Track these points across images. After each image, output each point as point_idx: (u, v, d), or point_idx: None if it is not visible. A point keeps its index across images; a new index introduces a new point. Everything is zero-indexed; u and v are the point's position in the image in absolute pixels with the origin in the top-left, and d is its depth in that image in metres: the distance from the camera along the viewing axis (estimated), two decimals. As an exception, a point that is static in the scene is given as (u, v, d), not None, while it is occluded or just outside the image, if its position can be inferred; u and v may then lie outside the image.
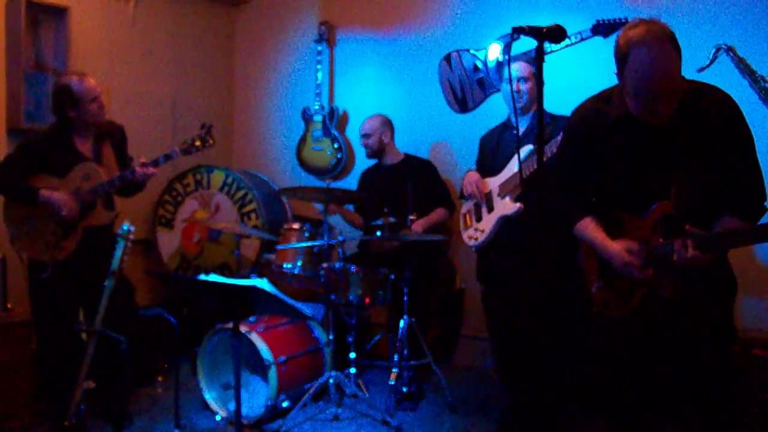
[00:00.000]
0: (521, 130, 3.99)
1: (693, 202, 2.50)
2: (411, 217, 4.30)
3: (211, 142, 4.00)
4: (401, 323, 4.29)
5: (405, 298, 4.28)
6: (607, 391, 2.93)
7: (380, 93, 5.76)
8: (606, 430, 2.99)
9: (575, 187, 2.81)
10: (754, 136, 2.56)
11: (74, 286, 3.91)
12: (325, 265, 4.24)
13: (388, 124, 5.11)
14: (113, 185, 3.86)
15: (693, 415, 2.70)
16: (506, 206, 3.89)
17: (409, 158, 5.15)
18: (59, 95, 3.86)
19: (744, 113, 2.56)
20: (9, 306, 4.07)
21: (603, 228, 2.70)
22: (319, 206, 4.60)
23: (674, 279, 2.50)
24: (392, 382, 4.23)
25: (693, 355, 2.64)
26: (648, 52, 2.34)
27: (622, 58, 2.42)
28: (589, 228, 2.72)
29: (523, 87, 3.97)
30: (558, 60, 4.73)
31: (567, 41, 4.59)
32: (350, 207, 5.29)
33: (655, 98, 2.40)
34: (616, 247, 2.60)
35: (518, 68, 4.01)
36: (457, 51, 5.34)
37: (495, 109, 4.95)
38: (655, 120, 2.48)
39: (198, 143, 3.96)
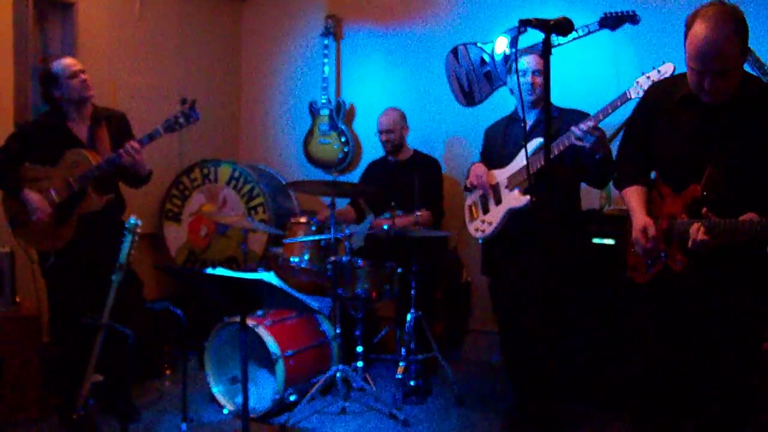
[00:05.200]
0: (529, 123, 3.97)
1: (722, 191, 2.55)
2: (418, 213, 4.29)
3: (195, 117, 3.85)
4: (408, 317, 4.30)
5: (412, 292, 4.28)
6: (629, 384, 3.00)
7: (387, 86, 5.75)
8: (621, 423, 3.00)
9: (634, 156, 2.93)
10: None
11: (80, 274, 3.92)
12: (332, 258, 4.24)
13: (404, 117, 5.10)
14: (101, 170, 3.81)
15: (709, 410, 2.72)
16: (515, 198, 3.87)
17: (417, 155, 5.14)
18: (42, 80, 3.89)
19: None
20: (17, 300, 4.08)
21: (645, 199, 2.83)
22: (326, 200, 4.60)
23: (686, 256, 2.60)
24: (399, 376, 4.24)
25: (712, 342, 2.67)
26: (705, 25, 2.42)
27: (687, 28, 2.52)
28: (632, 195, 2.87)
29: (538, 80, 3.93)
30: (565, 53, 4.72)
31: (574, 34, 4.58)
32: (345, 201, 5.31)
33: (702, 71, 2.48)
34: (640, 220, 2.75)
35: (533, 61, 3.97)
36: (464, 44, 5.33)
37: (503, 103, 4.94)
38: (704, 98, 2.56)
39: (181, 120, 3.83)
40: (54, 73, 3.83)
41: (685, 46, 2.53)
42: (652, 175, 2.94)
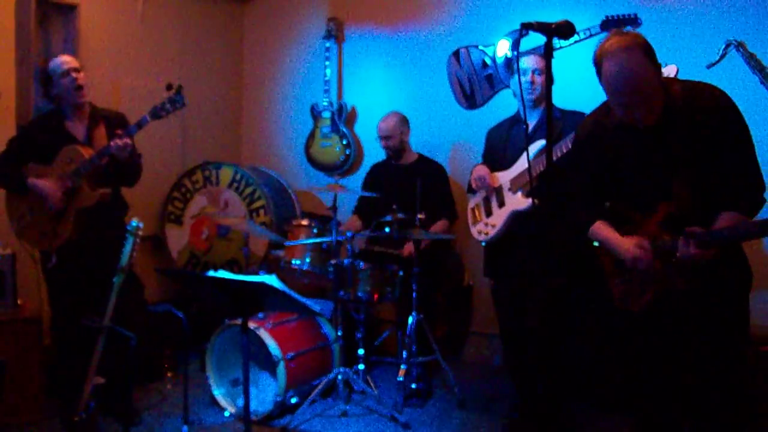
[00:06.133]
0: (531, 124, 3.97)
1: (694, 200, 2.57)
2: (419, 216, 4.29)
3: (182, 103, 3.78)
4: (410, 319, 4.29)
5: (413, 295, 4.28)
6: (630, 388, 2.99)
7: (389, 89, 5.75)
8: (625, 426, 3.01)
9: (586, 194, 2.90)
10: (764, 132, 2.57)
11: (82, 276, 3.92)
12: (333, 261, 4.24)
13: (405, 122, 5.05)
14: (93, 163, 3.79)
15: (703, 413, 2.72)
16: (518, 201, 3.87)
17: (422, 159, 5.11)
18: (40, 79, 3.95)
19: (755, 110, 2.59)
20: (19, 302, 4.08)
21: (614, 227, 2.78)
22: (327, 201, 4.59)
23: (684, 273, 2.56)
24: (401, 379, 4.23)
25: (706, 350, 2.66)
26: (615, 62, 2.46)
27: (597, 68, 2.55)
28: (602, 229, 2.81)
29: (538, 79, 3.93)
30: (567, 56, 4.72)
31: (576, 37, 4.58)
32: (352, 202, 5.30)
33: (628, 104, 2.53)
34: (626, 244, 2.68)
35: (533, 60, 3.98)
36: (466, 47, 5.33)
37: (505, 106, 4.94)
38: (638, 125, 2.58)
39: (168, 106, 3.77)
40: (49, 71, 3.87)
41: (601, 84, 2.56)
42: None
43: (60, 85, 3.86)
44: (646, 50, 2.47)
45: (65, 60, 3.90)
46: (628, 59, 2.44)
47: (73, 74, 3.87)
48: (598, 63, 2.53)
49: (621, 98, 2.52)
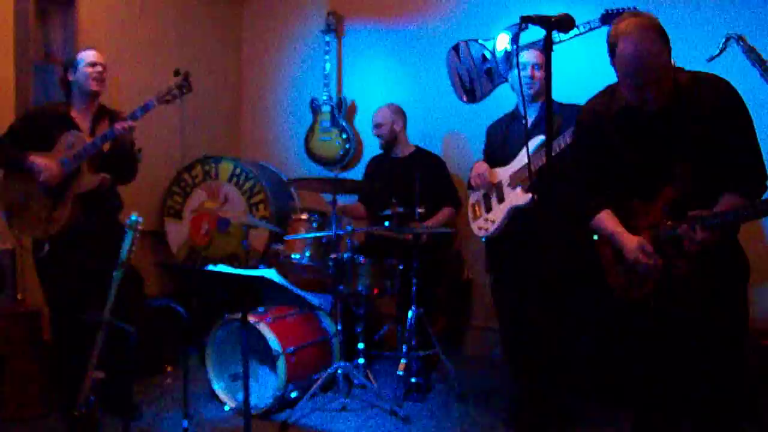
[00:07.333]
0: (530, 120, 3.97)
1: (696, 186, 2.59)
2: (419, 210, 4.29)
3: (188, 88, 3.85)
4: (409, 314, 4.29)
5: (413, 289, 4.28)
6: (630, 380, 3.01)
7: (388, 83, 5.75)
8: (625, 419, 3.01)
9: (589, 181, 2.90)
10: (765, 124, 2.58)
11: (73, 269, 3.88)
12: (333, 255, 4.24)
13: (399, 112, 5.09)
14: (96, 146, 3.77)
15: (703, 406, 2.73)
16: (517, 196, 3.87)
17: (419, 151, 5.12)
18: (64, 64, 3.98)
19: (755, 103, 2.59)
20: (19, 297, 4.08)
21: (617, 218, 2.79)
22: (327, 197, 4.58)
23: (686, 258, 2.58)
24: (400, 373, 4.24)
25: (705, 340, 2.68)
26: (632, 41, 2.48)
27: (612, 48, 2.57)
28: (607, 221, 2.82)
29: (538, 73, 3.94)
30: (566, 50, 4.71)
31: (575, 31, 4.57)
32: (353, 197, 5.30)
33: (641, 85, 2.54)
34: (630, 243, 2.70)
35: (532, 55, 3.98)
36: (466, 41, 5.32)
37: (505, 100, 4.93)
38: (648, 107, 2.60)
39: (175, 91, 3.82)
40: (77, 58, 3.91)
41: (614, 65, 2.58)
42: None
43: (81, 71, 3.87)
44: (661, 32, 2.50)
45: (96, 54, 3.94)
46: (645, 39, 2.46)
47: (100, 67, 3.91)
48: (612, 43, 2.54)
49: (635, 79, 2.53)
